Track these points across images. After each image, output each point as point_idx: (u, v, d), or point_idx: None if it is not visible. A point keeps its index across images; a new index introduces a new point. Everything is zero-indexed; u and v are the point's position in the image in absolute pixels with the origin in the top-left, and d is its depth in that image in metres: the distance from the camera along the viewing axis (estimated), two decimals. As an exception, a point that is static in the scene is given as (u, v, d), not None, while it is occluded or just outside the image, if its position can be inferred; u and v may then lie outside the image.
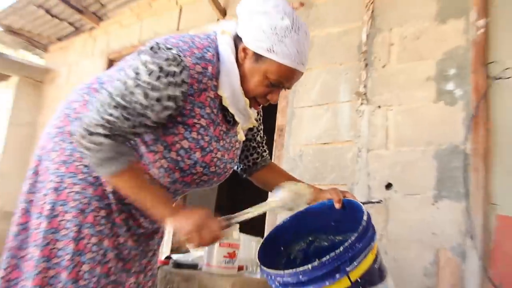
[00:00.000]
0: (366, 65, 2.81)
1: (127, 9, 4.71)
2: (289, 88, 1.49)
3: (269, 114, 1.82)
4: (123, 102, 1.29)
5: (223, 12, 3.82)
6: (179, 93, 1.34)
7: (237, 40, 1.44)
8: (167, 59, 1.31)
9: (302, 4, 3.23)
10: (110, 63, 4.70)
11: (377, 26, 2.84)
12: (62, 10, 4.81)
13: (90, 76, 4.70)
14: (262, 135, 1.79)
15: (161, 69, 1.30)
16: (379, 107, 2.71)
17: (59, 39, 5.41)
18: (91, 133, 1.28)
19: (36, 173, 1.53)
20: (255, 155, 1.78)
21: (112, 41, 4.79)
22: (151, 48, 1.36)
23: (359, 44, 2.88)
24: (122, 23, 4.75)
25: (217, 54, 1.42)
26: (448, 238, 2.31)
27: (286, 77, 1.41)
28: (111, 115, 1.28)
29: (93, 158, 1.31)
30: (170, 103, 1.34)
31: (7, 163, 5.16)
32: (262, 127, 1.80)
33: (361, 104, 2.78)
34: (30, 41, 5.51)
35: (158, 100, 1.31)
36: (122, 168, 1.33)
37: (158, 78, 1.30)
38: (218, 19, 3.82)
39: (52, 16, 4.92)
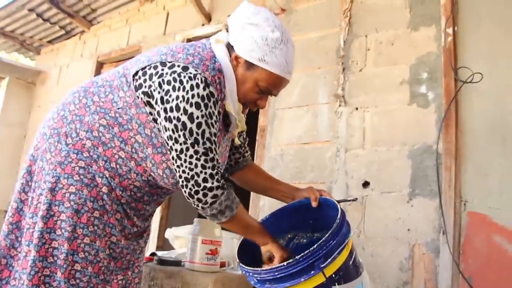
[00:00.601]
0: (344, 69, 2.91)
1: (116, 14, 4.76)
2: (275, 95, 1.58)
3: (251, 115, 1.87)
4: (202, 147, 1.38)
5: (208, 17, 3.87)
6: (220, 107, 1.46)
7: (229, 48, 1.52)
8: (197, 84, 1.38)
9: (283, 10, 3.32)
10: (99, 65, 4.74)
11: (354, 32, 2.94)
12: (53, 14, 4.85)
13: (80, 78, 4.76)
14: (244, 136, 1.84)
15: (203, 97, 1.38)
16: (357, 109, 2.80)
17: (50, 42, 5.44)
18: (210, 189, 1.39)
19: (29, 172, 1.54)
20: (237, 155, 1.83)
21: (102, 44, 4.83)
22: (164, 65, 1.43)
23: (337, 49, 2.98)
24: (111, 27, 4.79)
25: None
26: (422, 234, 2.40)
27: (275, 84, 1.51)
28: (207, 161, 1.39)
29: (212, 211, 1.43)
30: (219, 117, 1.47)
31: (-2, 163, 5.18)
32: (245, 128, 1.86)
33: (339, 106, 2.87)
34: (22, 44, 5.53)
35: (216, 121, 1.43)
36: (236, 212, 1.47)
37: (206, 106, 1.38)
38: (203, 24, 3.89)
39: (44, 20, 4.95)
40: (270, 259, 1.52)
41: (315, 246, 1.37)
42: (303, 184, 2.77)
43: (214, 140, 1.41)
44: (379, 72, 2.76)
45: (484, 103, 2.40)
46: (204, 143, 1.38)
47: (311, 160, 2.91)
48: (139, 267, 1.68)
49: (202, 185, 1.38)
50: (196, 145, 1.37)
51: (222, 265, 2.19)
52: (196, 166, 1.37)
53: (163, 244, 3.54)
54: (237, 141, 1.69)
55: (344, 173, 2.75)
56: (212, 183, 1.38)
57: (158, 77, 1.42)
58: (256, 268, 1.44)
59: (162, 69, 1.42)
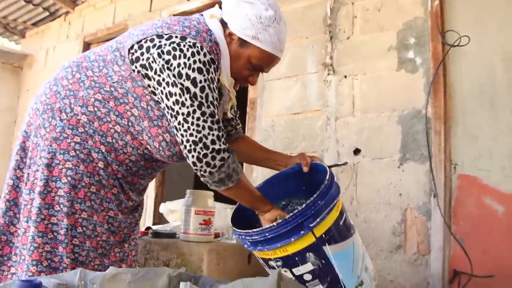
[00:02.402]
0: (331, 37, 2.89)
1: (100, -8, 4.69)
2: (266, 72, 1.61)
3: (240, 87, 1.89)
4: (208, 110, 1.39)
5: (193, -7, 3.82)
6: (219, 74, 1.48)
7: (222, 24, 1.53)
8: (198, 52, 1.40)
9: (269, -20, 3.27)
10: (86, 46, 4.67)
11: (340, 0, 2.91)
12: (36, -5, 4.77)
13: (67, 59, 4.66)
14: (235, 109, 1.87)
15: (204, 63, 1.40)
16: (345, 77, 2.80)
17: (35, 25, 5.34)
18: (218, 151, 1.38)
19: (23, 149, 1.55)
20: (229, 128, 1.85)
21: (87, 24, 4.76)
22: (161, 37, 1.43)
23: (324, 17, 2.96)
24: (96, 6, 4.70)
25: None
26: (414, 198, 2.44)
27: (267, 62, 1.55)
28: (213, 122, 1.39)
29: (220, 175, 1.41)
30: (218, 84, 1.48)
31: (-11, 148, 5.13)
32: (235, 102, 1.89)
33: (328, 74, 2.87)
34: (6, 27, 5.43)
35: (216, 88, 1.44)
36: (241, 176, 1.46)
37: (208, 71, 1.40)
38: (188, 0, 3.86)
39: (26, 1, 4.85)
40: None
41: (303, 206, 1.39)
42: (295, 154, 2.77)
43: (216, 104, 1.42)
44: (367, 39, 2.75)
45: (472, 66, 2.41)
46: (208, 106, 1.39)
47: (302, 130, 2.92)
48: (135, 240, 1.71)
49: (211, 147, 1.37)
50: (202, 106, 1.38)
51: (216, 235, 2.21)
52: (203, 128, 1.37)
53: (159, 220, 3.57)
54: (229, 115, 1.72)
55: (335, 141, 2.76)
56: (220, 145, 1.39)
57: (157, 49, 1.42)
58: (248, 231, 1.46)
59: (160, 41, 1.43)
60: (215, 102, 1.42)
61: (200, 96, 1.38)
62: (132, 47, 1.47)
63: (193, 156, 1.39)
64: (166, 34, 1.44)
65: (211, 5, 3.54)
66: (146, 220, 3.55)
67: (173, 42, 1.41)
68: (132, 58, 1.46)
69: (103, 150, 1.48)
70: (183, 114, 1.38)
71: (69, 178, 1.44)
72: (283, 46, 1.56)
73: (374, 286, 1.67)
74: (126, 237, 1.65)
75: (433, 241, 2.34)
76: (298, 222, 1.38)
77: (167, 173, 3.94)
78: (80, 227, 1.45)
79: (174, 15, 3.83)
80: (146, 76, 1.44)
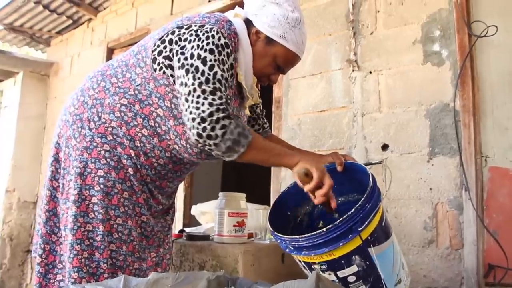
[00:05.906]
0: (355, 33, 2.87)
1: (121, -2, 4.75)
2: (285, 73, 1.66)
3: (265, 87, 1.90)
4: (213, 85, 1.38)
5: (214, -5, 3.82)
6: (233, 60, 1.50)
7: (246, 23, 1.57)
8: (213, 35, 1.43)
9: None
10: (110, 51, 4.74)
11: (362, -5, 2.90)
12: (59, 4, 4.83)
13: (92, 65, 4.76)
14: (261, 108, 1.89)
15: (217, 45, 1.43)
16: (370, 72, 2.78)
17: (59, 33, 5.44)
18: (216, 120, 1.35)
19: (57, 160, 1.60)
20: (257, 127, 1.88)
21: (110, 30, 4.82)
22: (181, 28, 1.47)
23: (346, 13, 2.94)
24: (117, 12, 4.76)
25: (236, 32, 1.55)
26: (445, 192, 2.41)
27: (290, 61, 1.60)
28: (214, 99, 1.37)
29: (226, 143, 1.37)
30: (232, 71, 1.50)
31: (21, 156, 5.26)
32: (261, 100, 1.91)
33: (353, 71, 2.85)
34: (32, 37, 5.55)
35: (228, 70, 1.45)
36: (252, 138, 1.42)
37: (220, 52, 1.43)
38: (209, 0, 3.85)
39: (51, 11, 4.94)
40: (307, 175, 1.44)
41: (352, 210, 1.38)
42: (322, 151, 2.78)
43: (225, 84, 1.42)
44: (390, 33, 2.73)
45: (500, 56, 2.37)
46: (214, 83, 1.39)
47: (329, 127, 2.91)
48: (168, 244, 1.75)
49: (208, 119, 1.35)
50: (204, 84, 1.38)
51: (250, 236, 2.23)
52: (203, 104, 1.36)
53: (189, 221, 3.61)
54: (247, 113, 1.73)
55: (362, 138, 2.75)
56: (218, 115, 1.36)
57: (176, 36, 1.47)
58: (294, 236, 1.43)
59: (179, 31, 1.48)
60: (223, 81, 1.41)
61: (208, 73, 1.39)
62: (154, 44, 1.50)
63: (193, 134, 1.38)
64: (186, 25, 1.48)
65: (232, 6, 3.55)
66: (177, 221, 3.59)
67: (192, 30, 1.45)
68: (154, 55, 1.49)
69: (132, 155, 1.51)
70: (184, 94, 1.40)
71: (101, 186, 1.48)
72: (304, 48, 1.60)
73: (409, 282, 1.68)
74: (160, 241, 1.69)
75: (466, 235, 2.31)
76: (348, 226, 1.37)
77: (195, 174, 3.99)
78: (116, 232, 1.49)
79: (196, 17, 3.86)
80: (170, 66, 1.47)
